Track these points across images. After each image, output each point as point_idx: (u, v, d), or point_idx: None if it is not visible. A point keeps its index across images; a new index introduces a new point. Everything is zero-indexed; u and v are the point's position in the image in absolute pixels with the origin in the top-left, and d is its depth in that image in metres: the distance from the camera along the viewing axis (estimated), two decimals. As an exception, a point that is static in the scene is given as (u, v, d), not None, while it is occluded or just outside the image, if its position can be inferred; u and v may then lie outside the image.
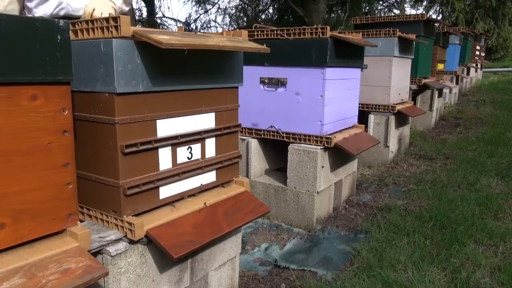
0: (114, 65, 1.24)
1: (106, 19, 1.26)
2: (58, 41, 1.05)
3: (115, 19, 1.24)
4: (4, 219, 1.01)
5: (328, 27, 2.48)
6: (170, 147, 1.47)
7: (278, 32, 2.62)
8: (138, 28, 1.42)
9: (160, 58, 1.37)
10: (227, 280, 1.83)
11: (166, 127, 1.44)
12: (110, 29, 1.25)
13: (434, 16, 13.29)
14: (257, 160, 2.89)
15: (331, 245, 2.39)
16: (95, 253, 1.25)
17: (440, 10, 14.40)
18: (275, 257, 2.26)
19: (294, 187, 2.68)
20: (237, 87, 1.75)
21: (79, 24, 1.32)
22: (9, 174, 1.01)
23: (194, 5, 13.85)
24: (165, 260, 1.46)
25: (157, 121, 1.41)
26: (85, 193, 1.38)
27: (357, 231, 2.57)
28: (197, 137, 1.57)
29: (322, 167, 2.59)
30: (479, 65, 10.79)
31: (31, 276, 1.00)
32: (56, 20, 1.05)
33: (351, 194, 3.19)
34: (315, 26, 2.53)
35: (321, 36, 2.48)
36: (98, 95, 1.30)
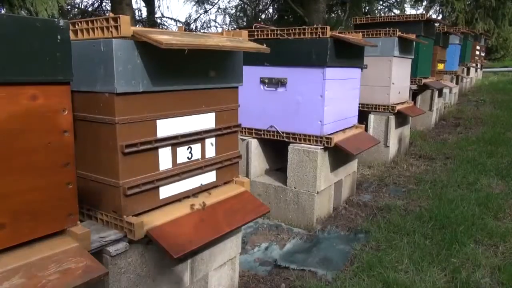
0: (114, 65, 1.24)
1: (106, 19, 1.26)
2: (58, 41, 1.05)
3: (115, 19, 1.24)
4: (4, 219, 1.01)
5: (328, 27, 2.48)
6: (170, 147, 1.47)
7: (278, 32, 2.62)
8: (138, 28, 1.42)
9: (160, 58, 1.37)
10: (227, 280, 1.83)
11: (166, 127, 1.44)
12: (110, 29, 1.25)
13: (434, 16, 13.27)
14: (257, 160, 2.89)
15: (331, 245, 2.39)
16: (95, 253, 1.25)
17: (440, 10, 14.38)
18: (275, 257, 2.26)
19: (294, 187, 2.68)
20: (237, 87, 1.75)
21: (79, 24, 1.32)
22: (9, 174, 1.00)
23: (194, 5, 13.83)
24: (165, 260, 1.46)
25: (157, 121, 1.41)
26: (85, 193, 1.38)
27: (357, 231, 2.57)
28: (197, 137, 1.57)
29: (322, 165, 2.59)
30: (479, 65, 10.78)
31: (31, 276, 1.00)
32: (56, 20, 1.05)
33: (351, 194, 3.19)
34: (315, 26, 2.52)
35: (321, 36, 2.48)
36: (98, 95, 1.30)
